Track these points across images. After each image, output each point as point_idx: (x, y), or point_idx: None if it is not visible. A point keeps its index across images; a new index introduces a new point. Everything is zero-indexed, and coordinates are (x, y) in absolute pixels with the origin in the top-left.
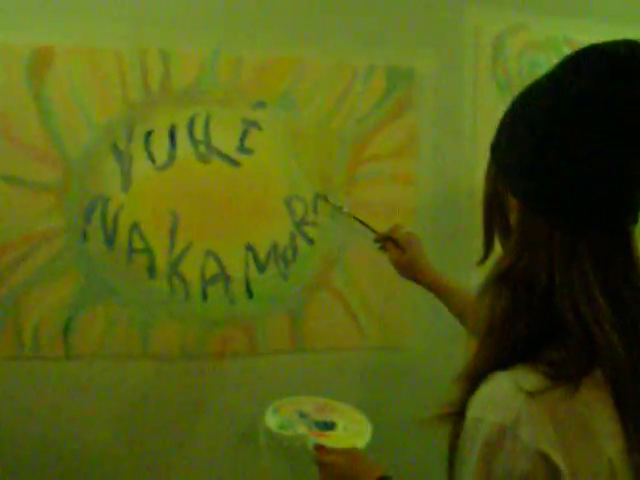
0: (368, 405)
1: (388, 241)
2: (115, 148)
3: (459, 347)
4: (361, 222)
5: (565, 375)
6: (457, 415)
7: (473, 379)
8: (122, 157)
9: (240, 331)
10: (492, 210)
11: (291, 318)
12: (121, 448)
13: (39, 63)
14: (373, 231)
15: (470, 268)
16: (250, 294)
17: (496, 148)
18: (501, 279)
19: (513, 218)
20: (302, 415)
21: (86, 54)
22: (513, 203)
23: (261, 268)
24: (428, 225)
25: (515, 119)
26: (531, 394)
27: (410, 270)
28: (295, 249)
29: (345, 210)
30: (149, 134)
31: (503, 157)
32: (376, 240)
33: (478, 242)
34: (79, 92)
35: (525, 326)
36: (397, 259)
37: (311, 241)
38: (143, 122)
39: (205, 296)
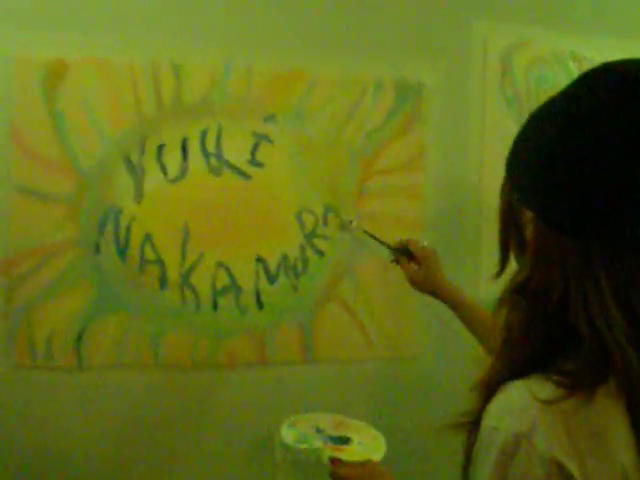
0: (376, 415)
1: (403, 255)
2: (128, 161)
3: (466, 358)
4: (374, 237)
5: (579, 384)
6: (472, 424)
7: (489, 388)
8: (135, 169)
9: (250, 342)
10: (507, 225)
11: (300, 329)
12: (132, 457)
13: (53, 76)
14: (387, 246)
15: (477, 280)
16: (260, 305)
17: (511, 164)
18: (518, 292)
19: (528, 233)
20: (318, 430)
21: (99, 67)
22: (528, 218)
23: (271, 280)
24: (435, 238)
25: (530, 135)
26: (546, 403)
27: (426, 284)
28: (305, 261)
29: (354, 225)
30: (161, 147)
31: (518, 173)
32: (392, 254)
33: (485, 254)
34: (92, 105)
35: (542, 337)
36: (412, 274)
37: (321, 253)
38: (155, 135)
39: (216, 307)
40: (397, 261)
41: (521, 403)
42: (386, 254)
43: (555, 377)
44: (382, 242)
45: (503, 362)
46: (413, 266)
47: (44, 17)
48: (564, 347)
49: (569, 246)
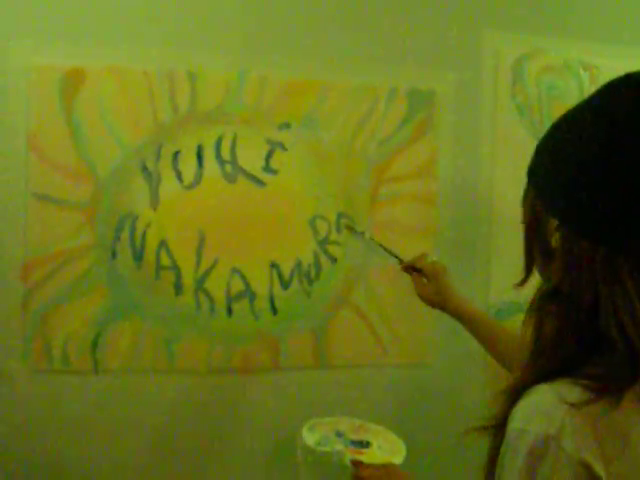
0: (390, 421)
1: (413, 271)
2: (144, 167)
3: (479, 364)
4: (385, 249)
5: (607, 388)
6: (496, 428)
7: (516, 393)
8: (151, 176)
9: (264, 347)
10: (532, 234)
11: (314, 335)
12: (146, 461)
13: (71, 85)
14: (398, 259)
15: (488, 286)
16: (274, 311)
17: (534, 173)
18: (548, 299)
19: (554, 241)
20: (338, 434)
21: (116, 76)
22: (554, 226)
23: (285, 285)
24: (447, 244)
25: (556, 144)
26: (574, 406)
27: (434, 300)
28: (318, 267)
29: (367, 236)
30: (177, 154)
31: (543, 182)
32: (401, 269)
33: (496, 260)
34: (109, 113)
35: (573, 343)
36: (421, 289)
37: (334, 259)
38: (171, 142)
39: (230, 312)
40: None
41: (549, 406)
42: (397, 261)
43: (583, 381)
44: (394, 254)
45: (536, 369)
46: (422, 280)
47: (62, 27)
48: (591, 352)
49: (597, 253)
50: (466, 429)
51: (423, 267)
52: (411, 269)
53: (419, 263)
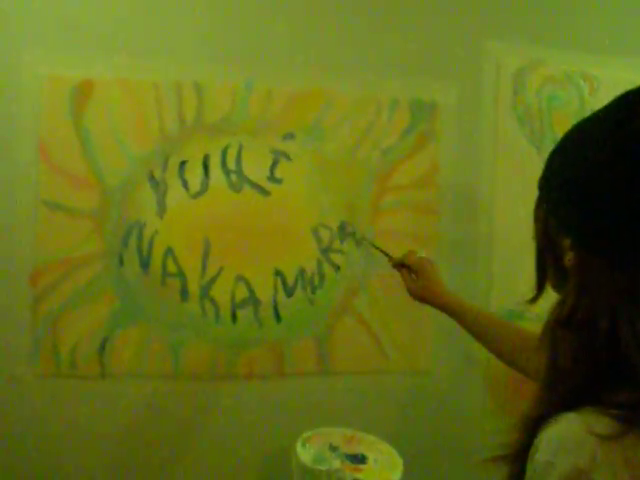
0: (391, 427)
1: (402, 268)
2: (151, 177)
3: (480, 372)
4: (376, 248)
5: (638, 418)
6: (515, 458)
7: (535, 422)
8: (158, 185)
9: (268, 353)
10: (544, 250)
11: (317, 341)
12: (152, 465)
13: (80, 96)
14: (389, 258)
15: (489, 295)
16: (278, 318)
17: (546, 186)
18: (563, 323)
19: (567, 260)
20: (332, 448)
21: (124, 87)
22: (567, 244)
23: (289, 293)
24: (449, 253)
25: (568, 157)
26: (605, 438)
27: (423, 294)
28: (321, 275)
29: (358, 236)
30: (183, 164)
31: (555, 197)
32: (392, 266)
33: (497, 270)
34: (117, 123)
35: (591, 369)
36: (409, 284)
37: (337, 267)
38: (178, 152)
39: (235, 319)
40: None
41: (578, 437)
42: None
43: (612, 410)
44: (384, 252)
45: (550, 395)
46: (412, 276)
47: (72, 39)
48: (613, 377)
49: (615, 275)
50: (482, 459)
51: (411, 263)
52: (400, 266)
53: (407, 259)
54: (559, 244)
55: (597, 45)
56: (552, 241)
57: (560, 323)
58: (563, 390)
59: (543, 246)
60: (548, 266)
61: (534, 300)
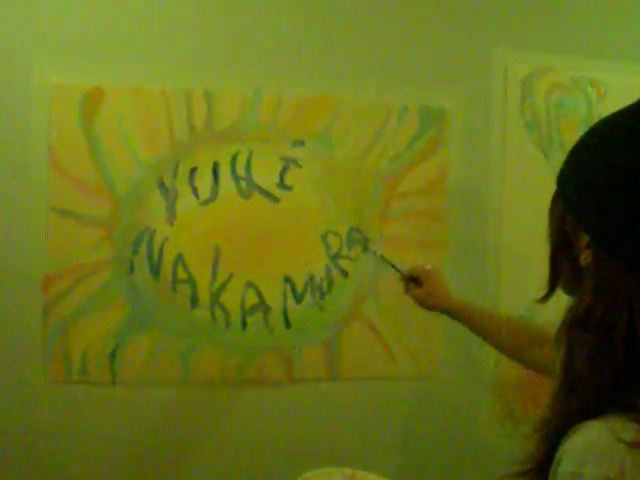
0: (400, 432)
1: (411, 282)
2: (161, 184)
3: (487, 377)
4: (389, 263)
5: None
6: (538, 472)
7: (556, 432)
8: (168, 192)
9: (277, 359)
10: (559, 249)
11: (326, 347)
12: (162, 470)
13: (91, 103)
14: (400, 274)
15: (498, 300)
16: (287, 324)
17: (564, 184)
18: (579, 325)
19: (583, 259)
20: None
21: (134, 95)
22: (584, 243)
23: (298, 299)
24: (457, 259)
25: (588, 155)
26: (634, 445)
27: (431, 302)
28: (330, 281)
29: (373, 250)
30: (193, 171)
31: (573, 194)
32: (401, 279)
33: (506, 275)
34: (128, 130)
35: (610, 373)
36: (415, 294)
37: (346, 274)
38: (188, 159)
39: (245, 325)
40: (406, 290)
41: (605, 446)
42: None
43: (637, 416)
44: (395, 268)
45: (569, 403)
46: (417, 287)
47: (82, 47)
48: (633, 380)
49: (633, 276)
50: (502, 476)
51: (417, 274)
52: (408, 279)
53: (414, 273)
54: (575, 242)
55: (604, 51)
56: (568, 239)
57: (576, 324)
58: (581, 396)
59: (558, 243)
60: (562, 265)
61: (545, 299)
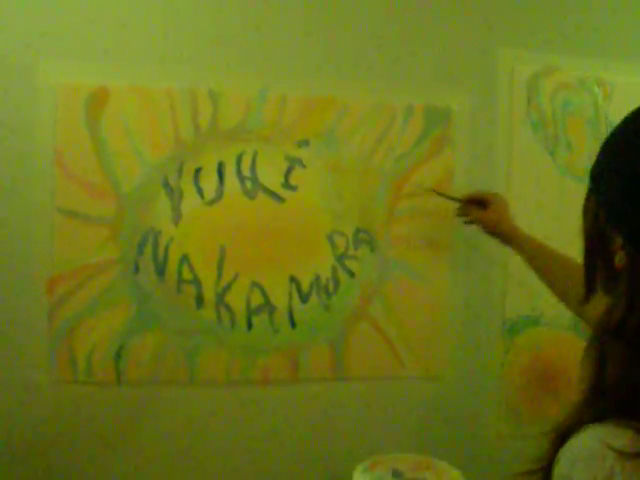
0: (406, 433)
1: (472, 204)
2: (166, 184)
3: (495, 376)
4: (443, 195)
5: None
6: (544, 471)
7: (568, 432)
8: (173, 192)
9: (283, 359)
10: (594, 248)
11: (332, 347)
12: (165, 471)
13: (95, 103)
14: (458, 200)
15: (504, 301)
16: (293, 324)
17: (598, 177)
18: (613, 332)
19: (618, 259)
20: (396, 473)
21: (139, 95)
22: (618, 244)
23: (304, 299)
24: (464, 259)
25: (626, 150)
26: (624, 454)
27: (496, 226)
28: (336, 281)
29: (424, 188)
30: (198, 171)
31: (608, 190)
32: (460, 205)
33: (513, 274)
34: (133, 131)
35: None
36: (481, 216)
37: (352, 274)
38: (193, 159)
39: (250, 325)
40: (464, 212)
41: (594, 452)
42: (418, 270)
43: (634, 424)
44: (452, 198)
45: (590, 408)
46: (482, 210)
47: (87, 47)
48: None
49: None
50: (513, 474)
51: (483, 195)
52: (470, 202)
53: (479, 194)
54: (610, 241)
55: (611, 50)
56: (603, 237)
57: (610, 332)
58: (607, 404)
59: (592, 243)
60: (597, 264)
61: (584, 302)
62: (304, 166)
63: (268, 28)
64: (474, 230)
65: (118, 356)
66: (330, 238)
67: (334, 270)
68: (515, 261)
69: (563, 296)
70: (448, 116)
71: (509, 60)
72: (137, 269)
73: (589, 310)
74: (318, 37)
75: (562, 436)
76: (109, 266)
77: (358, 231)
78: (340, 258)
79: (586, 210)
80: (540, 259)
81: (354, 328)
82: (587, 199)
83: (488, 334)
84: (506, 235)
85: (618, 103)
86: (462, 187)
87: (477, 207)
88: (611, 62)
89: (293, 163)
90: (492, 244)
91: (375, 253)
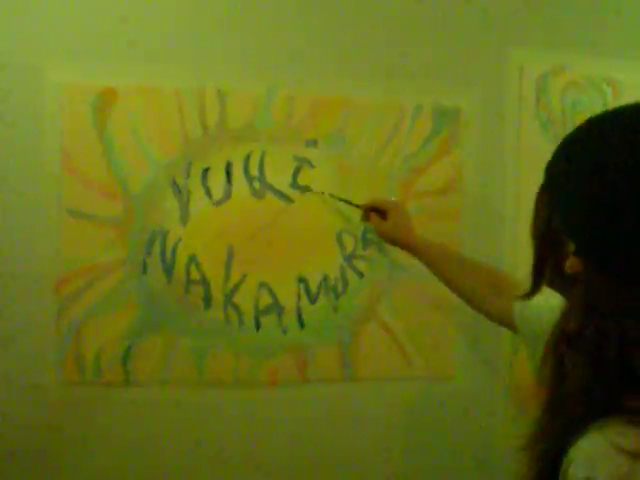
0: (415, 433)
1: (372, 212)
2: (174, 184)
3: (502, 377)
4: (342, 200)
5: None
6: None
7: (545, 453)
8: (181, 193)
9: (291, 360)
10: (544, 249)
11: (340, 348)
12: (174, 472)
13: (103, 104)
14: (356, 206)
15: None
16: (301, 324)
17: (553, 177)
18: (569, 344)
19: (569, 264)
20: None
21: (147, 95)
22: (570, 247)
23: (312, 299)
24: None
25: (581, 155)
26: (635, 454)
27: (392, 235)
28: (345, 282)
29: (325, 194)
30: (206, 171)
31: (562, 193)
32: (361, 213)
33: (522, 276)
34: (140, 131)
35: (605, 391)
36: (378, 225)
37: (360, 274)
38: (201, 159)
39: (258, 326)
40: (367, 218)
41: (600, 452)
42: (427, 270)
43: (636, 420)
44: (351, 203)
45: (555, 423)
46: (380, 219)
47: (94, 47)
48: (628, 387)
49: (626, 291)
50: None
51: (380, 204)
52: (370, 210)
53: (375, 203)
54: (562, 245)
55: (620, 50)
56: (555, 240)
57: (566, 343)
58: (577, 411)
59: (543, 243)
60: (547, 263)
61: (526, 297)
62: (312, 166)
63: (276, 28)
64: (483, 230)
65: (126, 357)
66: (339, 238)
67: (343, 270)
68: (524, 263)
69: (466, 296)
70: (457, 116)
71: (518, 60)
72: (145, 269)
73: (494, 308)
74: (327, 37)
75: (542, 457)
76: (117, 266)
77: (367, 231)
78: (349, 258)
79: (538, 207)
80: (440, 264)
81: (363, 329)
82: (540, 193)
83: (497, 334)
84: (404, 245)
85: (628, 102)
86: (471, 187)
87: (378, 215)
88: (621, 61)
89: (301, 163)
90: (501, 245)
91: (384, 253)
